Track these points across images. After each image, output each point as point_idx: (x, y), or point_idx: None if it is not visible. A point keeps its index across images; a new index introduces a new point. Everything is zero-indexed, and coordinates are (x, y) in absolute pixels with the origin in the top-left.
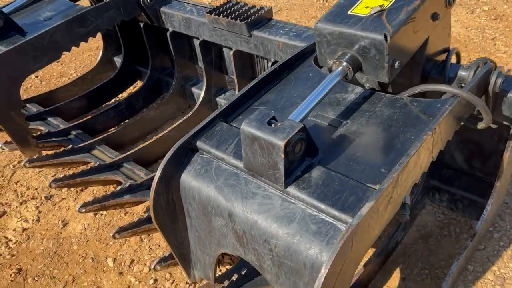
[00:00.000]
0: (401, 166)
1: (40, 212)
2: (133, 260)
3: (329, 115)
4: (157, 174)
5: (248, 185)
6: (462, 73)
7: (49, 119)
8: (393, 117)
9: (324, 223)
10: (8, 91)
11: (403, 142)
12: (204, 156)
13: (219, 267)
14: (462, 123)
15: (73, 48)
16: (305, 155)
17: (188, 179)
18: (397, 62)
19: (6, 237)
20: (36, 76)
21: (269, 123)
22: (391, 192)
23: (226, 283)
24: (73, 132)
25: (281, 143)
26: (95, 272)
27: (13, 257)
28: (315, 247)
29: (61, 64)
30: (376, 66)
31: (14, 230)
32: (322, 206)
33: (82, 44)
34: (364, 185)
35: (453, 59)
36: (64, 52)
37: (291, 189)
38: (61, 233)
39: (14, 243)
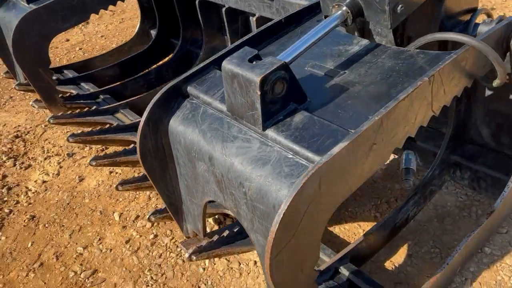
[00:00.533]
0: (386, 110)
1: (61, 167)
2: (138, 216)
3: (327, 66)
4: (144, 115)
5: (230, 128)
6: (482, 28)
7: (82, 84)
8: (395, 68)
9: (297, 165)
10: (37, 47)
11: (398, 91)
12: (194, 101)
13: (219, 227)
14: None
15: (117, 23)
16: (290, 99)
17: (175, 123)
18: (399, 6)
19: (27, 187)
20: (80, 48)
21: (250, 61)
22: (373, 137)
23: (215, 237)
24: (101, 96)
25: (257, 79)
26: (101, 224)
27: (30, 205)
28: (285, 189)
29: (105, 38)
30: (377, 10)
31: (35, 181)
32: (297, 148)
33: (126, 20)
34: (346, 130)
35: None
36: (108, 27)
37: (270, 132)
38: (76, 187)
39: (33, 192)
